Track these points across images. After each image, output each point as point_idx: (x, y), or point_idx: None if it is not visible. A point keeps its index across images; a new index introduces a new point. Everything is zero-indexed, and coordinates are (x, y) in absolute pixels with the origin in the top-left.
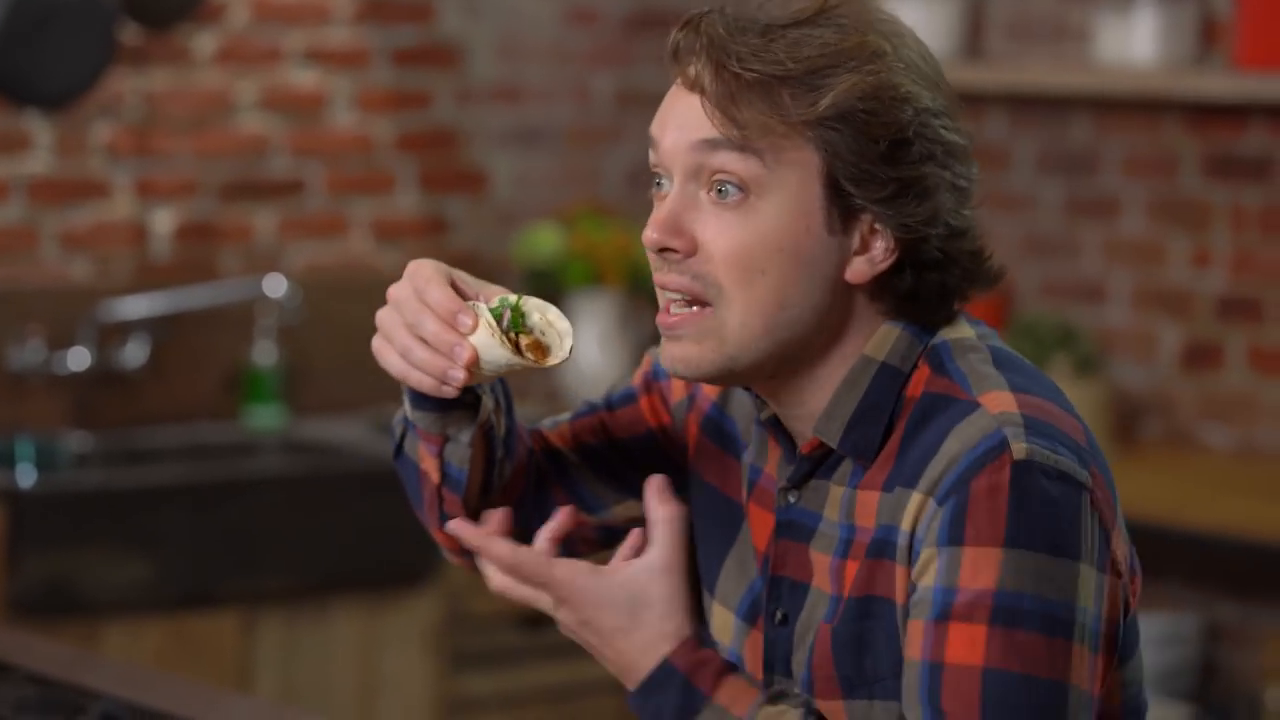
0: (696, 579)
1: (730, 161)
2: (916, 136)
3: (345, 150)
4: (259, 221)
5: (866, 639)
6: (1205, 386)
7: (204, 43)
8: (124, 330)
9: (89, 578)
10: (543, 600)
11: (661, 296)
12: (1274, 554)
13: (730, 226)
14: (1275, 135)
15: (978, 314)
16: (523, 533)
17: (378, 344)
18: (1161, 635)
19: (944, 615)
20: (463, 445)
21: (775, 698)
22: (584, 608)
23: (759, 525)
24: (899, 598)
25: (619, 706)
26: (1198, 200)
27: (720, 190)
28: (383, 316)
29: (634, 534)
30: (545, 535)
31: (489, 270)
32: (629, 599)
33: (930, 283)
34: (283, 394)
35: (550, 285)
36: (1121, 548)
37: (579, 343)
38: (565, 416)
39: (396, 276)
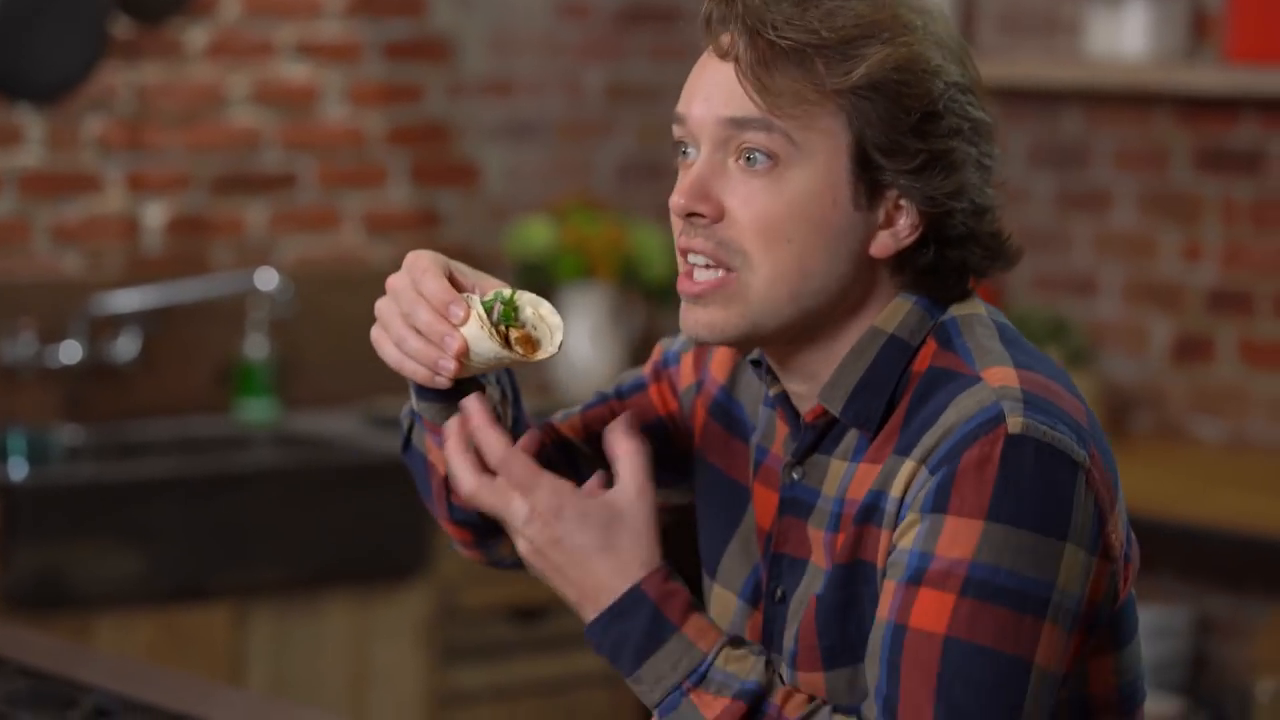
0: (692, 562)
1: (758, 139)
2: (946, 111)
3: (337, 144)
4: (250, 215)
5: (852, 604)
6: (1196, 379)
7: (195, 36)
8: (116, 323)
9: (81, 571)
10: (514, 509)
11: (683, 263)
12: (1265, 547)
13: (758, 193)
14: (1266, 128)
15: None
16: None
17: (375, 333)
18: (1153, 628)
19: (915, 579)
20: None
21: (736, 642)
22: (560, 521)
23: (763, 504)
24: (881, 563)
25: (611, 699)
26: (1189, 193)
27: (749, 158)
28: (381, 306)
29: (598, 474)
30: (525, 444)
31: (480, 264)
32: (606, 519)
33: (951, 259)
34: (274, 387)
35: (541, 278)
36: (1118, 532)
37: (570, 336)
38: (577, 409)
39: (387, 270)
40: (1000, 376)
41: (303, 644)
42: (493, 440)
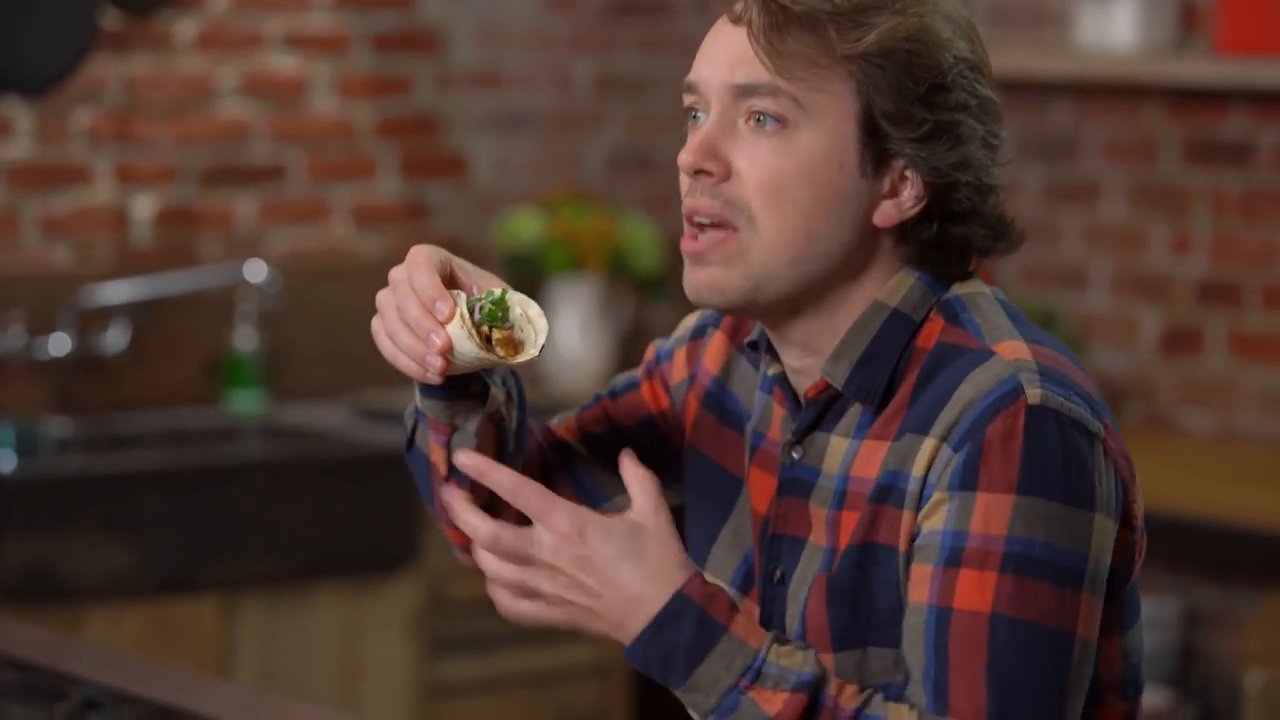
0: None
1: (765, 104)
2: (954, 85)
3: (326, 136)
4: (240, 207)
5: (865, 586)
6: (1185, 372)
7: (185, 28)
8: (105, 315)
9: (70, 563)
10: (537, 541)
11: (688, 225)
12: (1254, 538)
13: (765, 153)
14: (1255, 120)
15: None
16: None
17: (375, 324)
18: (1142, 619)
19: (954, 560)
20: (469, 435)
21: (780, 637)
22: (584, 538)
23: (760, 489)
24: (902, 544)
25: (599, 691)
26: (1178, 185)
27: (759, 119)
28: (381, 298)
29: (606, 508)
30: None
31: (469, 256)
32: (630, 530)
33: (955, 235)
34: (263, 379)
35: (531, 271)
36: (1138, 501)
37: (560, 328)
38: (573, 412)
39: (376, 262)
40: (1013, 350)
41: (292, 636)
42: (502, 476)
